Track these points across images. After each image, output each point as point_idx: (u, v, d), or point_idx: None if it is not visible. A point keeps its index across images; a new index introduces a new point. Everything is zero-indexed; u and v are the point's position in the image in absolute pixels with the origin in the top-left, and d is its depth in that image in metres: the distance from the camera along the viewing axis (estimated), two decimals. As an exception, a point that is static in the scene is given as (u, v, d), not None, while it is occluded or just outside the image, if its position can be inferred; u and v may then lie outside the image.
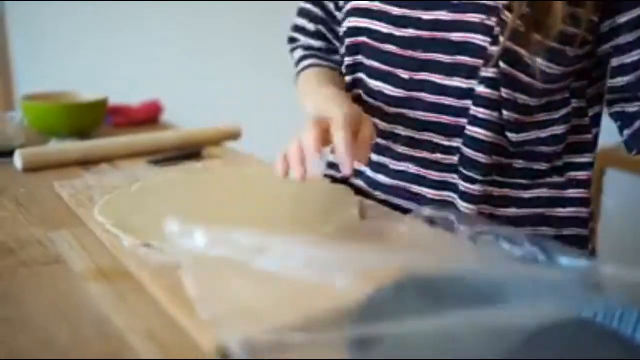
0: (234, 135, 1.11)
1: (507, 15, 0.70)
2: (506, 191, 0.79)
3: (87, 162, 0.95)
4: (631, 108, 0.75)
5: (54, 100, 1.12)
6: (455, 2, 0.73)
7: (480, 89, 0.73)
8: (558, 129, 0.77)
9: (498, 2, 0.71)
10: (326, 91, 0.77)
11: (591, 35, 0.72)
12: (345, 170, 0.62)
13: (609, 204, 1.82)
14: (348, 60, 0.85)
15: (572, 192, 0.80)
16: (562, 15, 0.68)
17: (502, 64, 0.71)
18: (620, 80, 0.74)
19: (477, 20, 0.72)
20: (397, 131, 0.81)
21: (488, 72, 0.72)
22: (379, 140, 0.82)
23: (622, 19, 0.71)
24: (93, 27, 2.08)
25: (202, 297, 0.50)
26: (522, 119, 0.75)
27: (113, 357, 0.45)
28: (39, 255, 0.62)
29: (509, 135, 0.75)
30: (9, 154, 0.94)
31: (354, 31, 0.82)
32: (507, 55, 0.71)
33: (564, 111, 0.77)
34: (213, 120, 1.14)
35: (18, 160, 0.90)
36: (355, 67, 0.85)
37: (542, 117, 0.76)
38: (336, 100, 0.72)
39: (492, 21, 0.71)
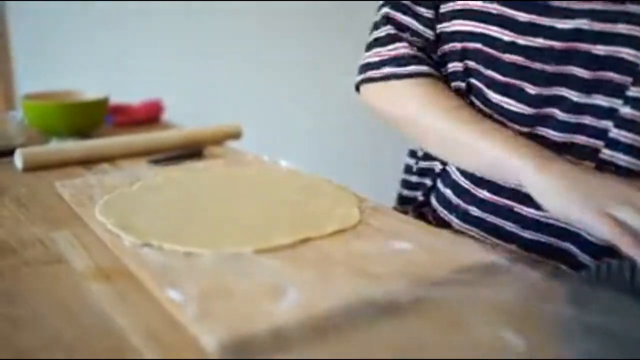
0: (235, 135, 1.11)
1: None
2: None
3: (87, 162, 0.95)
4: None
5: (54, 99, 1.12)
6: (599, 8, 0.64)
7: (626, 110, 0.65)
8: None
9: None
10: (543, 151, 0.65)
11: None
12: None
13: None
14: (455, 65, 0.76)
15: None
16: None
17: None
18: None
19: (626, 31, 0.63)
20: None
21: (635, 92, 0.64)
22: None
23: None
24: (94, 27, 2.08)
25: (196, 296, 0.50)
26: None
27: (114, 355, 0.45)
28: (41, 255, 0.62)
29: None
30: (10, 153, 0.94)
31: (464, 36, 0.73)
32: None
33: None
34: (214, 119, 1.14)
35: (18, 160, 0.90)
36: (469, 74, 0.75)
37: None
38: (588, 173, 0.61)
39: None
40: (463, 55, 0.75)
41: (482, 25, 0.71)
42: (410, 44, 0.78)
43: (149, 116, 1.25)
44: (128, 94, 1.32)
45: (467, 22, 0.72)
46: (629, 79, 0.65)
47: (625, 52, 0.64)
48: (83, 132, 1.08)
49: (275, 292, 0.51)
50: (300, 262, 0.57)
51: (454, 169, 0.80)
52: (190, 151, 0.99)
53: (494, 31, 0.70)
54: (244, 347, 0.45)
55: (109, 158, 0.97)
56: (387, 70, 0.78)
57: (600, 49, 0.65)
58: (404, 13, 0.78)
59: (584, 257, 0.70)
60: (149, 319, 0.49)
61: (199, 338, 0.46)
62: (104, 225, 0.65)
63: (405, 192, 0.92)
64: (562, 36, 0.66)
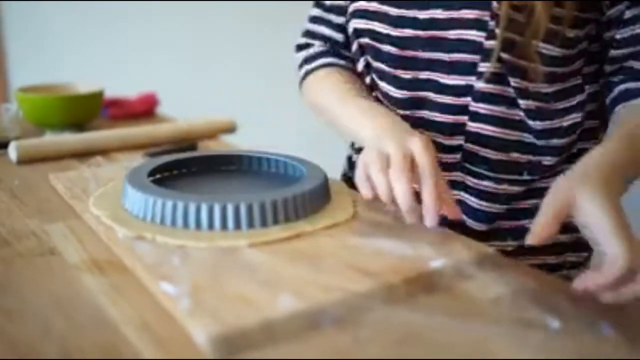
0: (229, 128, 1.11)
1: (497, 7, 0.69)
2: (515, 188, 0.77)
3: (82, 154, 0.95)
4: (614, 78, 0.76)
5: (49, 92, 1.12)
6: (446, 1, 0.73)
7: (480, 85, 0.73)
8: (576, 117, 0.76)
9: None
10: (377, 110, 0.74)
11: (593, 15, 0.72)
12: (430, 222, 0.60)
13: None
14: (361, 61, 0.84)
15: None
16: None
17: (504, 55, 0.70)
18: (614, 53, 0.74)
19: (470, 16, 0.72)
20: None
21: (485, 67, 0.72)
22: None
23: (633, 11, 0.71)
24: (89, 20, 2.08)
25: (188, 290, 0.50)
26: (543, 107, 0.74)
27: (107, 347, 0.45)
28: (34, 247, 0.62)
29: (531, 123, 0.74)
30: (4, 145, 0.94)
31: (358, 33, 0.82)
32: (507, 45, 0.70)
33: (579, 98, 0.76)
34: (209, 112, 1.14)
35: (13, 152, 0.90)
36: (367, 69, 0.84)
37: (559, 105, 0.75)
38: (398, 125, 0.69)
39: (485, 15, 0.71)
40: (361, 51, 0.84)
41: (367, 21, 0.80)
42: (321, 46, 0.91)
43: (144, 109, 1.25)
44: (123, 87, 1.32)
45: (358, 20, 0.81)
46: (478, 57, 0.72)
47: (472, 34, 0.72)
48: (78, 125, 1.08)
49: (268, 286, 0.51)
50: (294, 256, 0.57)
51: None
52: (185, 144, 0.99)
53: (375, 26, 0.79)
54: (235, 340, 0.45)
55: (104, 151, 0.97)
56: (302, 70, 0.92)
57: (452, 34, 0.73)
58: (315, 23, 0.92)
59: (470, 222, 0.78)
60: (142, 311, 0.50)
61: (191, 331, 0.46)
62: (97, 218, 0.65)
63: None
64: (423, 25, 0.75)
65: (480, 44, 0.72)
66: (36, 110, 1.06)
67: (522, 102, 0.73)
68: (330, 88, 0.85)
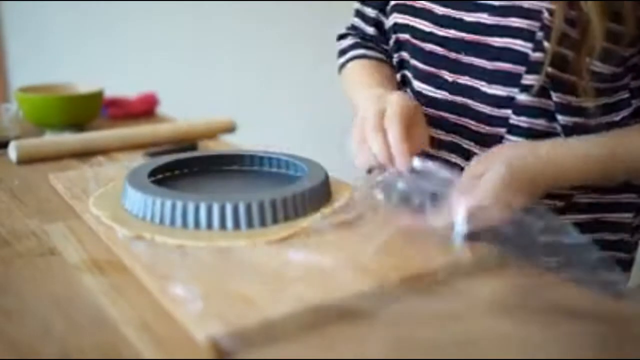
0: (229, 128, 1.11)
1: (549, 19, 0.66)
2: (555, 202, 0.74)
3: (82, 154, 0.95)
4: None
5: (49, 91, 1.12)
6: (496, 3, 0.70)
7: (522, 97, 0.70)
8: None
9: (541, 3, 0.67)
10: (377, 90, 0.75)
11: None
12: (400, 165, 0.61)
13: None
14: (395, 57, 0.83)
15: (624, 197, 0.76)
16: (605, 14, 0.64)
17: (549, 69, 0.67)
18: None
19: (518, 24, 0.68)
20: (437, 135, 0.78)
21: (530, 80, 0.69)
22: None
23: None
24: (89, 20, 2.07)
25: (188, 289, 0.50)
26: (581, 123, 0.70)
27: (107, 348, 0.45)
28: (34, 247, 0.62)
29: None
30: (4, 145, 0.94)
31: (398, 28, 0.80)
32: (556, 60, 0.67)
33: (624, 113, 0.73)
34: (210, 112, 1.14)
35: (13, 152, 0.90)
36: (401, 65, 0.83)
37: (602, 120, 0.72)
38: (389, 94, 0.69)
39: (534, 26, 0.67)
40: (398, 47, 0.82)
41: (409, 17, 0.78)
42: (354, 38, 0.91)
43: (144, 109, 1.25)
44: (123, 87, 1.32)
45: (399, 15, 0.80)
46: (523, 68, 0.69)
47: (518, 44, 0.69)
48: (78, 125, 1.08)
49: (267, 285, 0.51)
50: (294, 255, 0.57)
51: None
52: (185, 145, 0.99)
53: (417, 23, 0.77)
54: (236, 340, 0.45)
55: (104, 151, 0.97)
56: (338, 62, 0.92)
57: (497, 41, 0.71)
58: (356, 16, 0.92)
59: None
60: (142, 311, 0.50)
61: (191, 331, 0.46)
62: (97, 218, 0.65)
63: None
64: (469, 28, 0.73)
65: (527, 55, 0.69)
66: (36, 110, 1.06)
67: (560, 118, 0.70)
68: (352, 81, 0.86)
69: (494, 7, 0.70)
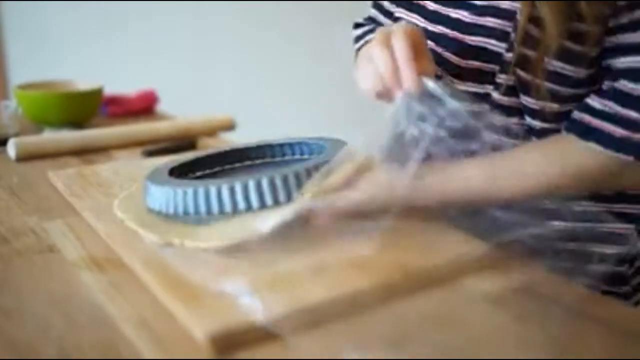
0: (228, 126, 1.11)
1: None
2: None
3: (81, 152, 0.95)
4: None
5: (48, 89, 1.12)
6: (478, 2, 0.70)
7: (496, 95, 0.71)
8: None
9: (517, 4, 0.66)
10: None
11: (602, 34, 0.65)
12: (408, 82, 0.59)
13: None
14: None
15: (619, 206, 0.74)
16: (560, 13, 0.63)
17: (517, 70, 0.67)
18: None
19: (492, 24, 0.68)
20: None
21: (502, 79, 0.69)
22: None
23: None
24: (89, 19, 2.07)
25: (188, 287, 0.50)
26: (549, 127, 0.70)
27: (106, 345, 0.45)
28: (33, 244, 0.62)
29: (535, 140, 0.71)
30: (3, 142, 0.94)
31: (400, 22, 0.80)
32: (521, 60, 0.67)
33: None
34: (209, 110, 1.14)
35: (12, 149, 0.90)
36: None
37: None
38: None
39: (508, 26, 0.67)
40: None
41: (406, 12, 0.79)
42: (369, 26, 0.90)
43: (144, 107, 1.25)
44: (123, 84, 1.32)
45: (399, 9, 0.80)
46: (496, 67, 0.69)
47: (492, 44, 0.69)
48: (77, 122, 1.07)
49: (267, 283, 0.51)
50: (297, 253, 0.56)
51: None
52: (184, 142, 0.99)
53: (413, 18, 0.77)
54: (233, 338, 0.45)
55: (103, 148, 0.97)
56: (355, 48, 0.90)
57: (473, 40, 0.70)
58: (373, 7, 0.91)
59: None
60: (141, 309, 0.49)
61: (190, 327, 0.46)
62: (122, 221, 0.63)
63: None
64: (451, 25, 0.72)
65: (500, 55, 0.69)
66: (35, 108, 1.06)
67: (528, 120, 0.70)
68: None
69: (475, 6, 0.71)
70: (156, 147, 0.96)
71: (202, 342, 0.44)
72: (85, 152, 0.94)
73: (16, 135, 0.97)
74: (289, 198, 0.60)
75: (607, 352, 0.45)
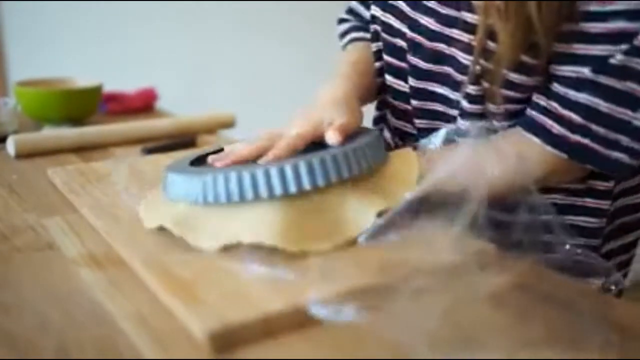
0: (228, 123, 1.11)
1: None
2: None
3: (80, 149, 0.94)
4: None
5: (48, 86, 1.12)
6: (443, 11, 0.70)
7: (465, 104, 0.71)
8: None
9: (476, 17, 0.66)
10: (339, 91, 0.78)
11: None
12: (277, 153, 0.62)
13: None
14: (374, 46, 0.83)
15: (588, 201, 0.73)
16: (509, 20, 0.62)
17: (484, 82, 0.68)
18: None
19: (460, 37, 0.69)
20: (404, 128, 0.81)
21: (471, 89, 0.69)
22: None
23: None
24: (88, 14, 2.07)
25: (187, 284, 0.50)
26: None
27: (105, 342, 0.45)
28: (32, 241, 0.62)
29: None
30: (2, 139, 0.94)
31: (374, 19, 0.81)
32: (484, 73, 0.67)
33: None
34: (209, 108, 1.14)
35: (11, 146, 0.90)
36: (378, 55, 0.83)
37: None
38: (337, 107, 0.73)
39: (473, 40, 0.67)
40: (376, 37, 0.83)
41: (381, 11, 0.79)
42: (353, 22, 0.92)
43: (143, 104, 1.25)
44: (122, 82, 1.31)
45: (376, 8, 0.80)
46: (464, 77, 0.70)
47: (460, 55, 0.69)
48: (76, 120, 1.07)
49: (265, 281, 0.51)
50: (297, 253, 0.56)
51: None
52: (184, 140, 0.99)
53: (387, 18, 0.78)
54: (233, 336, 0.45)
55: (102, 146, 0.97)
56: (340, 44, 0.93)
57: (443, 48, 0.71)
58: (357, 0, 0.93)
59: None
60: (140, 306, 0.49)
61: (190, 324, 0.46)
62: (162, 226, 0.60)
63: None
64: (419, 30, 0.73)
65: (467, 66, 0.69)
66: (34, 105, 1.06)
67: (498, 125, 0.70)
68: (340, 61, 0.87)
69: (439, 14, 0.70)
70: (156, 145, 0.96)
71: (201, 340, 0.44)
72: (84, 150, 0.94)
73: (15, 132, 0.97)
74: (328, 180, 0.58)
75: (605, 348, 0.45)
